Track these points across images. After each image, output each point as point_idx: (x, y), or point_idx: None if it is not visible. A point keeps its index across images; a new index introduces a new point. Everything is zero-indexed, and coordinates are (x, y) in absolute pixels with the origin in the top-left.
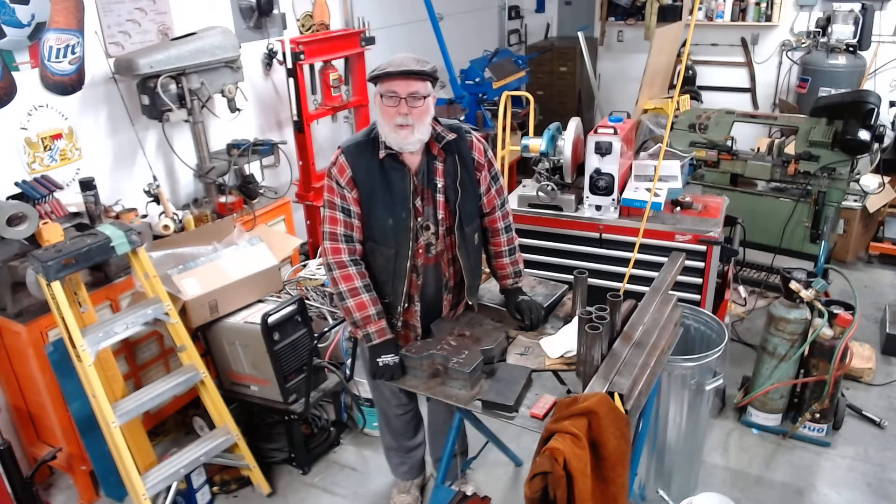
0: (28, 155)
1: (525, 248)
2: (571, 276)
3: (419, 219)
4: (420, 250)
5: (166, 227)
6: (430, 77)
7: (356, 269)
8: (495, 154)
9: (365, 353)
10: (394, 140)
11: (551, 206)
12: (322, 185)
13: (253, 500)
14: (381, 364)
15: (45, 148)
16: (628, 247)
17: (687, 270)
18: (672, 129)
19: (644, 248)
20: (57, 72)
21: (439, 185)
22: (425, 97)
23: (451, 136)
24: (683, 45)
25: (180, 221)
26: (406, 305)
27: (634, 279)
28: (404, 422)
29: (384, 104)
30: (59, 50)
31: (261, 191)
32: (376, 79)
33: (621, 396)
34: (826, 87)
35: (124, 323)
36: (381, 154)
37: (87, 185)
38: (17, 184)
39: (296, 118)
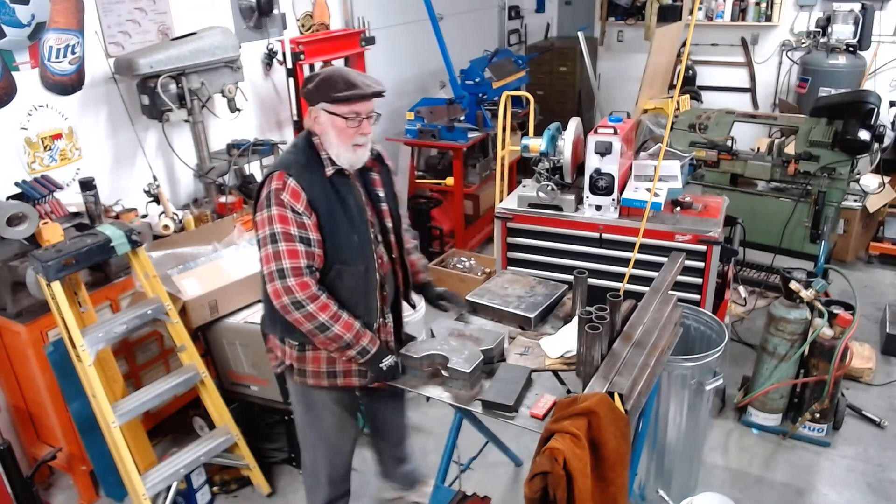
0: (28, 155)
1: (525, 248)
2: (571, 276)
3: (372, 230)
4: (380, 260)
5: (166, 227)
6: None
7: (325, 295)
8: (495, 154)
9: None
10: (348, 159)
11: (551, 206)
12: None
13: (253, 500)
14: (385, 368)
15: (45, 148)
16: (628, 247)
17: (687, 270)
18: (672, 129)
19: (644, 248)
20: (57, 72)
21: (381, 195)
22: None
23: (378, 148)
24: (683, 45)
25: (180, 221)
26: (381, 320)
27: (634, 279)
28: (349, 460)
29: (346, 125)
30: (59, 50)
31: None
32: (346, 101)
33: (621, 396)
34: (826, 87)
35: (124, 323)
36: (329, 172)
37: (87, 185)
38: (17, 184)
39: (296, 118)
